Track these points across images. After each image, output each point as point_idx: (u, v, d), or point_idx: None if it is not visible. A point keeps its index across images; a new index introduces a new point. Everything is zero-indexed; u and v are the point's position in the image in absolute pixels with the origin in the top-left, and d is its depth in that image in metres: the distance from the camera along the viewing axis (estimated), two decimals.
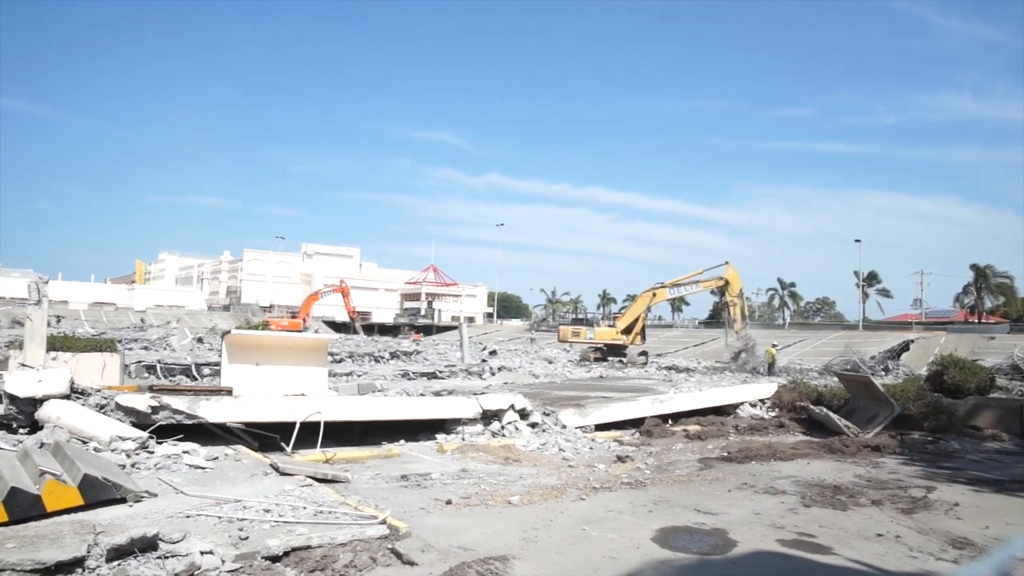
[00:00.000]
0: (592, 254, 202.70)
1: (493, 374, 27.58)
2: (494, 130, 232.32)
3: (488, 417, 13.07)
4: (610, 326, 40.49)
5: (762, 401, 17.91)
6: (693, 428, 14.94)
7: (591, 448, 12.60)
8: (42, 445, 8.20)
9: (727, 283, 36.41)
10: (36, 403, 9.52)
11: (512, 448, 11.73)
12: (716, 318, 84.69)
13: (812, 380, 24.73)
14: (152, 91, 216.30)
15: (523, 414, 13.40)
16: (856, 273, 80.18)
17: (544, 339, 61.67)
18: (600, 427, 14.26)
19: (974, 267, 74.00)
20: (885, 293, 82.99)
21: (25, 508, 6.16)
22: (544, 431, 13.18)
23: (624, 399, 16.06)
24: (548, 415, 13.93)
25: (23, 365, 12.47)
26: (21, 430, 9.40)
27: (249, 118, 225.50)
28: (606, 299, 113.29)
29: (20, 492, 6.19)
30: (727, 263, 36.66)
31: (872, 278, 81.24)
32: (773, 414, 17.14)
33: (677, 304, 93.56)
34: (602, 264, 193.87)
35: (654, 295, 38.38)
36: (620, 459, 11.60)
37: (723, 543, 7.07)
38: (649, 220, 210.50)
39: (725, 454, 12.37)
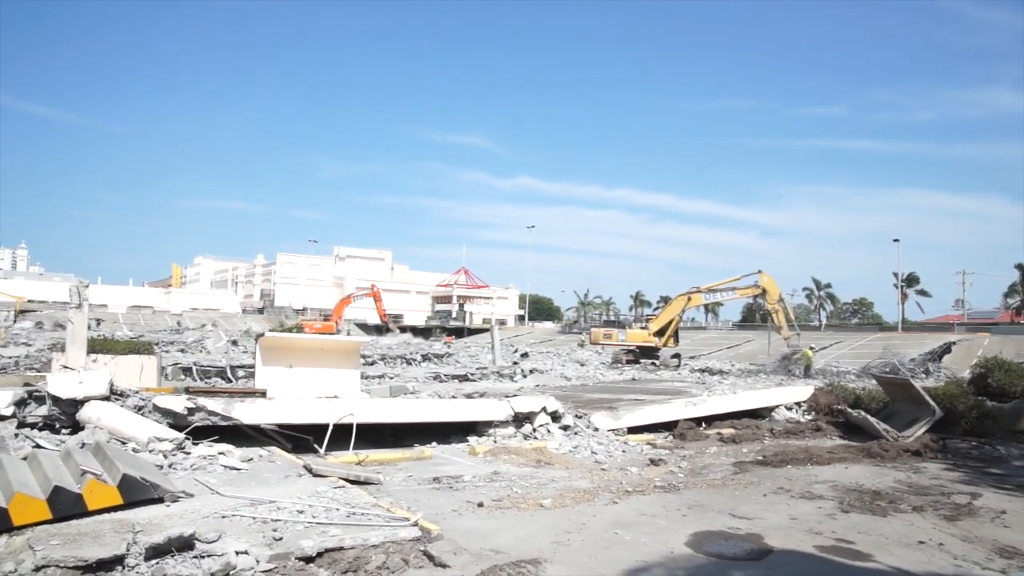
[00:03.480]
0: (623, 256, 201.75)
1: (525, 376, 27.52)
2: (523, 133, 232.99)
3: (520, 420, 13.03)
4: (642, 328, 40.13)
5: (798, 404, 17.63)
6: (727, 431, 14.76)
7: (624, 451, 12.51)
8: (83, 445, 8.37)
9: (764, 291, 35.87)
10: (77, 404, 9.72)
11: (544, 451, 11.69)
12: (750, 320, 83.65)
13: (849, 383, 24.23)
14: (182, 98, 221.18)
15: (555, 417, 13.34)
16: (895, 273, 78.55)
17: (576, 341, 61.45)
18: (633, 430, 14.15)
19: (1020, 267, 71.93)
20: (925, 294, 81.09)
21: (68, 506, 6.31)
22: (576, 434, 13.11)
23: (657, 402, 15.91)
24: (580, 418, 13.85)
25: (65, 367, 12.73)
26: (64, 430, 9.60)
27: (277, 123, 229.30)
28: (639, 301, 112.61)
29: (63, 491, 6.35)
30: (760, 272, 36.07)
31: (911, 279, 79.52)
32: (809, 417, 16.86)
33: (711, 306, 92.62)
34: (633, 266, 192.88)
35: (689, 299, 37.90)
36: (653, 462, 11.50)
37: (758, 548, 6.96)
38: (680, 221, 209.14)
39: (760, 458, 12.19)
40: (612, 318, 65.89)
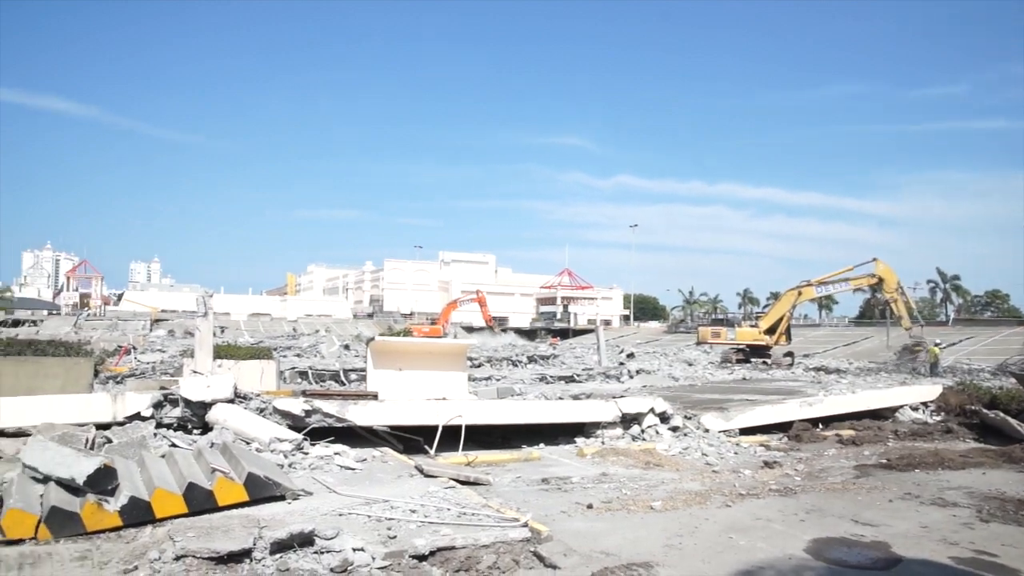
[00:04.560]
0: (730, 252, 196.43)
1: (631, 377, 27.22)
2: (621, 131, 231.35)
3: (627, 421, 12.88)
4: (752, 326, 38.87)
5: (925, 404, 16.59)
6: (846, 433, 14.06)
7: (736, 453, 12.15)
8: (212, 445, 8.91)
9: (880, 280, 33.83)
10: (206, 406, 10.36)
11: (653, 452, 11.50)
12: (867, 316, 79.33)
13: (984, 381, 22.60)
14: (292, 114, 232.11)
15: (663, 417, 13.10)
16: None
17: (683, 341, 60.21)
18: (744, 431, 13.71)
19: None
20: None
21: (200, 501, 6.78)
22: (686, 435, 12.83)
23: (770, 402, 15.36)
24: (689, 418, 13.55)
25: (194, 372, 13.60)
26: (195, 431, 10.27)
27: (382, 132, 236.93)
28: (747, 299, 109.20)
29: (197, 487, 6.82)
30: (875, 259, 34.07)
31: None
32: (938, 418, 15.83)
33: (824, 302, 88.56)
34: (741, 262, 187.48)
35: (800, 293, 36.36)
36: (767, 464, 11.10)
37: (886, 557, 6.56)
38: (789, 215, 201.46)
39: (884, 461, 11.52)
40: (720, 316, 63.99)
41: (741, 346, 36.93)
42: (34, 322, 66.97)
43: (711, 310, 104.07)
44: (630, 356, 39.78)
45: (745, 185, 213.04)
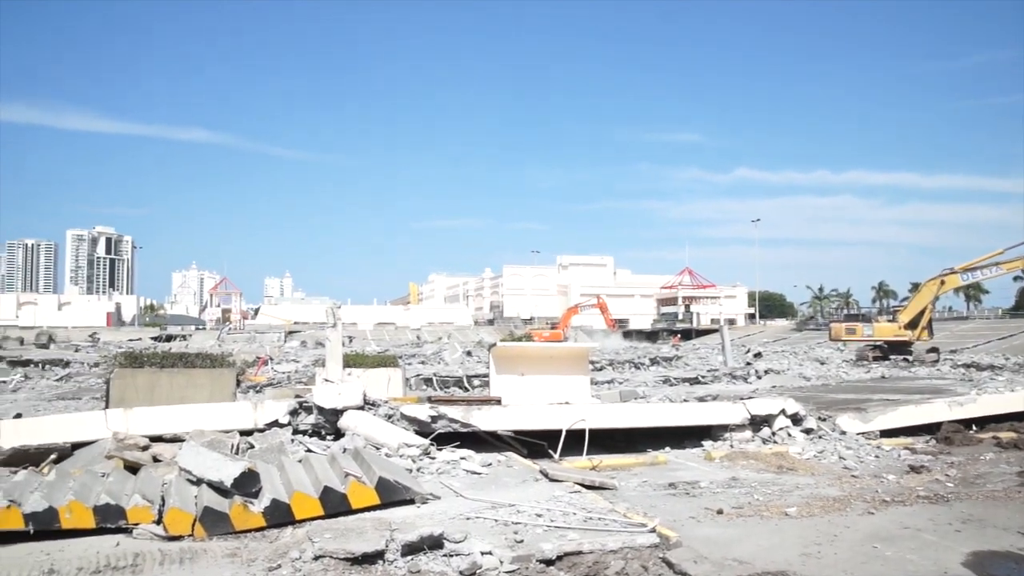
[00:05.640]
0: (860, 244, 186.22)
1: (759, 377, 26.27)
2: (738, 122, 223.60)
3: (757, 423, 12.39)
4: (890, 321, 36.54)
5: None
6: (1006, 435, 12.89)
7: (877, 456, 11.42)
8: (344, 450, 9.31)
9: None
10: (338, 413, 10.83)
11: (785, 455, 11.01)
12: None
13: None
14: (406, 128, 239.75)
15: (795, 419, 12.51)
16: None
17: (813, 338, 57.43)
18: (885, 433, 12.88)
19: None
20: None
21: (335, 504, 7.08)
22: (820, 437, 12.19)
23: (913, 402, 14.36)
24: (824, 420, 12.87)
25: (326, 380, 14.25)
26: (328, 436, 10.76)
27: (495, 140, 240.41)
28: (883, 291, 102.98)
29: (331, 491, 7.14)
30: None
31: None
32: None
33: (972, 292, 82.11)
34: (873, 253, 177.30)
35: (943, 283, 33.78)
36: (913, 469, 10.35)
37: None
38: (925, 200, 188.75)
39: None
40: (853, 312, 60.50)
41: (879, 342, 34.84)
42: (184, 336, 72.92)
43: (843, 305, 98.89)
44: (757, 356, 38.41)
45: (874, 171, 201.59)
